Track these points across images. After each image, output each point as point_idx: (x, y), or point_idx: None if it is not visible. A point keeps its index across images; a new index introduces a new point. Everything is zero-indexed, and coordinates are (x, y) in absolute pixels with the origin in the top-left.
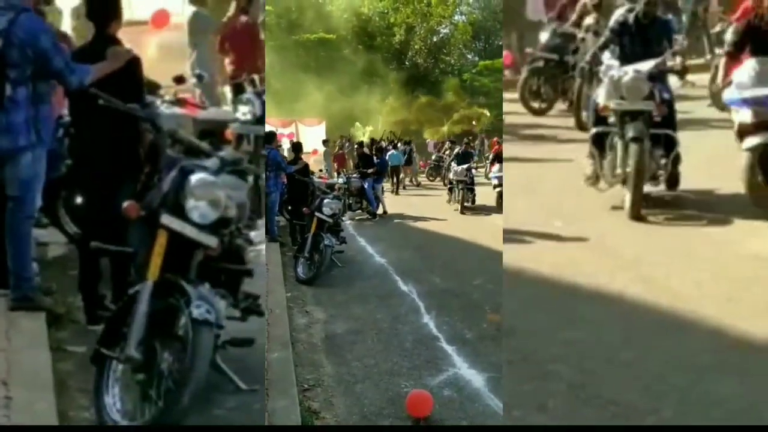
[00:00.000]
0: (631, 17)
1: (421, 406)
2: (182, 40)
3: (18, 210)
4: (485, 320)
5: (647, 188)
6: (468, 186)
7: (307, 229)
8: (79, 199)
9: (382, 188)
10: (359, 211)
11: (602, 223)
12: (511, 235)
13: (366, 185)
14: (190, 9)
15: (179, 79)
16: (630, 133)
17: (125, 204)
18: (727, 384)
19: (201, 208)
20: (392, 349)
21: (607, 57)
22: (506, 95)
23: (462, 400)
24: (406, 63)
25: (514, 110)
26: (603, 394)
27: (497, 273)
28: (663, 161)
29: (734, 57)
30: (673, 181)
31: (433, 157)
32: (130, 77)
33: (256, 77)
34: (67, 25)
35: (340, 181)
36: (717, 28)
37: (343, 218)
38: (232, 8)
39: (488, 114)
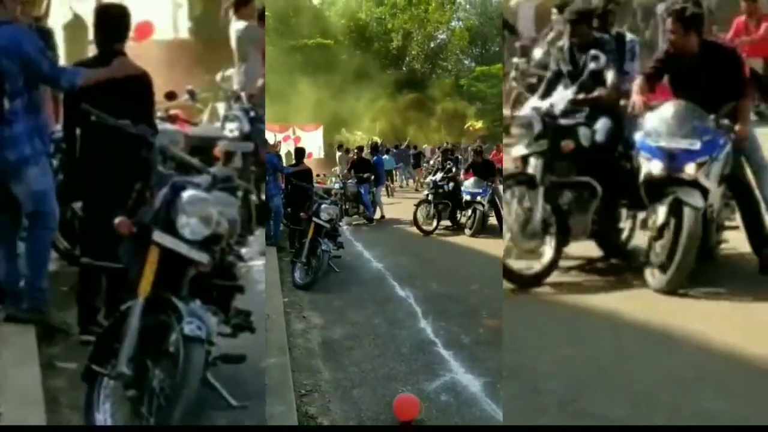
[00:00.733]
0: (564, 54)
1: (407, 409)
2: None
3: (38, 225)
4: (482, 325)
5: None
6: (444, 201)
7: (305, 234)
8: (69, 215)
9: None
10: (356, 216)
11: None
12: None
13: (362, 190)
14: (241, 23)
15: (170, 95)
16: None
17: (117, 220)
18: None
19: (192, 225)
20: (389, 354)
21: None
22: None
23: (459, 404)
24: (404, 68)
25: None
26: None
27: (494, 278)
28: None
29: (651, 80)
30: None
31: (431, 162)
32: (141, 95)
33: (242, 93)
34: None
35: (337, 186)
36: None
37: (340, 223)
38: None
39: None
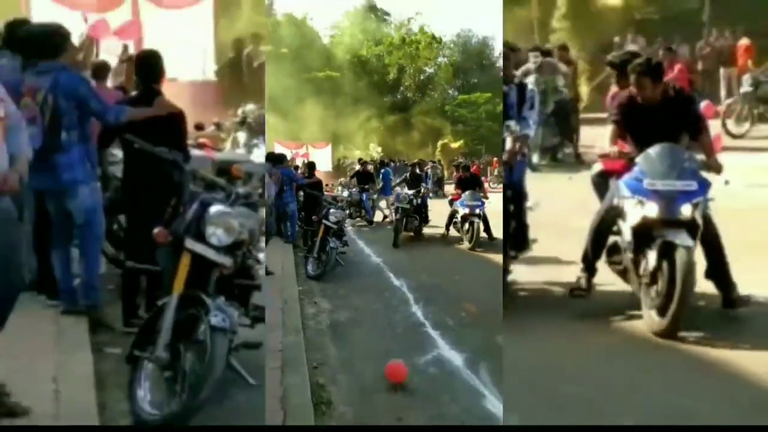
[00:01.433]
0: None
1: (397, 373)
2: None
3: (89, 235)
4: (463, 309)
5: None
6: (413, 214)
7: (316, 234)
8: (116, 226)
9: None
10: (358, 219)
11: None
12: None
13: (364, 197)
14: None
15: (199, 126)
16: None
17: (155, 230)
18: None
19: (218, 234)
20: (386, 333)
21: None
22: None
23: (444, 375)
24: (398, 96)
25: None
26: None
27: (472, 271)
28: None
29: (620, 127)
30: None
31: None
32: (177, 129)
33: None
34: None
35: (345, 194)
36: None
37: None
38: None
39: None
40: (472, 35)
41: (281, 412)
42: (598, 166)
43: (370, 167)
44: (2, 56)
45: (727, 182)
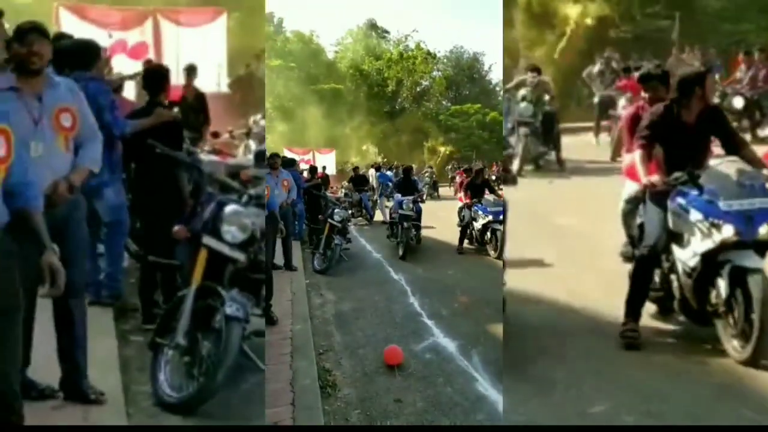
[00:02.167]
0: None
1: (394, 357)
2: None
3: (114, 231)
4: (456, 301)
5: None
6: (414, 223)
7: (322, 231)
8: (138, 224)
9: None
10: (359, 218)
11: None
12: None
13: (364, 198)
14: None
15: (215, 135)
16: None
17: (175, 228)
18: None
19: (233, 232)
20: (386, 322)
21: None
22: None
23: (439, 361)
24: (396, 107)
25: None
26: None
27: (465, 264)
28: None
29: (648, 150)
30: None
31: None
32: (174, 133)
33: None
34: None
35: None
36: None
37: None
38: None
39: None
40: (463, 51)
41: (291, 393)
42: (629, 191)
43: (362, 171)
44: (93, 76)
45: None
